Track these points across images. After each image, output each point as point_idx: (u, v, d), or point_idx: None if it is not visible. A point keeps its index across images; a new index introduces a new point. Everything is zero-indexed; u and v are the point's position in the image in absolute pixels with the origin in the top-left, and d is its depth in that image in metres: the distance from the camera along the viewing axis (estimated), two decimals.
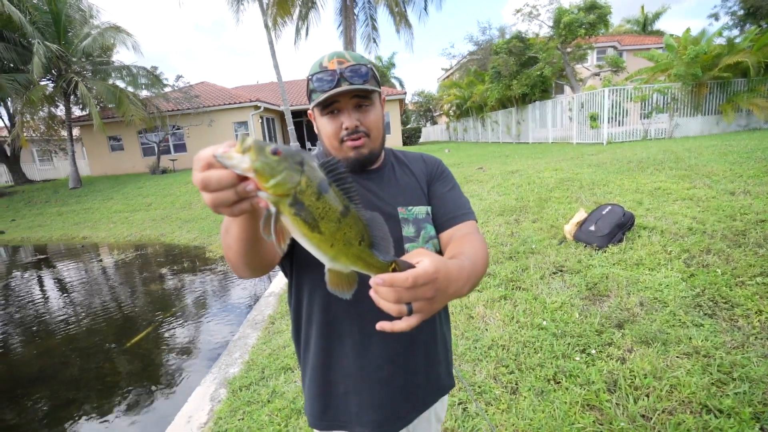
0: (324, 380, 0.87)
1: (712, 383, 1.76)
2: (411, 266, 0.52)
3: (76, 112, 15.91)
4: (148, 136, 16.59)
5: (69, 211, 10.65)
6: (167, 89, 15.60)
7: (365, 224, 0.52)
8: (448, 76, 30.22)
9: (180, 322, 3.87)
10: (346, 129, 0.82)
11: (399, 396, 0.86)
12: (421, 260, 0.51)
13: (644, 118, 11.84)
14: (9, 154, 17.02)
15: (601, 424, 1.66)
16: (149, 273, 5.66)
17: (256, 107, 16.98)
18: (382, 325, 0.53)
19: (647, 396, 1.76)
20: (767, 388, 1.67)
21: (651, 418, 1.64)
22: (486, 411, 1.86)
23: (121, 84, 14.84)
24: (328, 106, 0.82)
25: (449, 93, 23.79)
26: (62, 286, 5.61)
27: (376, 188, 0.90)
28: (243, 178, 0.43)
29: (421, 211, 0.89)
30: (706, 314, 2.28)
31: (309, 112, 0.89)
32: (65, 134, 15.16)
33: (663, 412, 1.66)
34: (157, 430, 2.17)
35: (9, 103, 15.05)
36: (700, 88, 11.13)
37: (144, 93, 15.48)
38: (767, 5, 12.48)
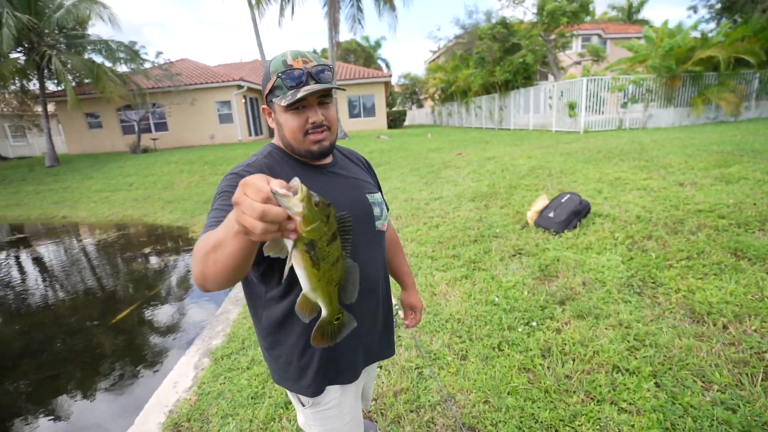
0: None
1: (627, 349, 2.08)
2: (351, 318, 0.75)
3: (51, 87, 15.30)
4: (128, 114, 16.10)
5: (47, 189, 10.46)
6: (147, 65, 15.14)
7: (345, 271, 0.67)
8: (434, 60, 30.04)
9: (164, 300, 4.05)
10: (313, 123, 0.90)
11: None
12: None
13: (621, 107, 12.23)
14: None
15: (532, 383, 1.97)
16: (132, 253, 5.76)
17: (239, 87, 16.67)
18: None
19: (573, 360, 2.07)
20: (668, 352, 2.00)
21: (572, 378, 1.95)
22: (438, 374, 2.14)
23: (98, 59, 14.29)
24: (294, 103, 0.88)
25: (434, 77, 23.74)
26: (43, 265, 5.67)
27: (353, 175, 1.08)
28: (288, 217, 0.52)
29: (379, 196, 1.11)
30: (635, 292, 2.61)
31: (263, 107, 0.98)
32: (40, 110, 14.64)
33: (583, 372, 1.97)
34: (146, 393, 2.39)
35: None
36: (673, 81, 11.49)
37: (123, 68, 14.97)
38: (742, 0, 12.85)
